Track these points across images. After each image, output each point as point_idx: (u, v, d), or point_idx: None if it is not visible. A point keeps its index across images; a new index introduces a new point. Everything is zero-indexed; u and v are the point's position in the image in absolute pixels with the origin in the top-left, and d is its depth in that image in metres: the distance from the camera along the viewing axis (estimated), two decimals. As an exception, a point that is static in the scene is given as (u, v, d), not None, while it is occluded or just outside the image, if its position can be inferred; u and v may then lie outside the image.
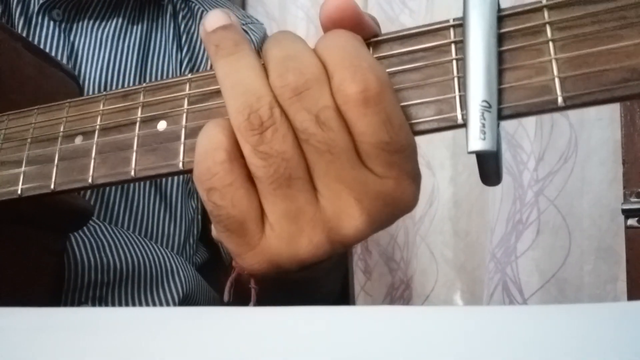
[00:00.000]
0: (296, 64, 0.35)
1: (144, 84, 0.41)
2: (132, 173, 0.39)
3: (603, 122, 1.01)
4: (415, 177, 0.36)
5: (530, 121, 1.04)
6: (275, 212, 0.36)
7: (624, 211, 0.82)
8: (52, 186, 0.41)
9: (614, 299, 0.98)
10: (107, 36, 0.70)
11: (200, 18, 0.77)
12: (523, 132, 1.06)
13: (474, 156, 0.36)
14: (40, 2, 0.66)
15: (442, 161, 1.14)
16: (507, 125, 1.07)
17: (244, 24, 0.78)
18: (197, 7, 0.78)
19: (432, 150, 1.15)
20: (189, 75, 0.40)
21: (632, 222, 0.82)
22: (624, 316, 0.25)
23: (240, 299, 0.47)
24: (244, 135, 0.35)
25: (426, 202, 1.15)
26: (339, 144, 0.34)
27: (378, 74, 0.34)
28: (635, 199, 0.81)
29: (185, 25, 0.75)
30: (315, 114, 0.34)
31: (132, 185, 0.67)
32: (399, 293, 1.23)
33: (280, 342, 0.24)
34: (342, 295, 0.80)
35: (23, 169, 0.43)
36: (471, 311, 0.28)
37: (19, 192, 0.42)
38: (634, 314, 0.25)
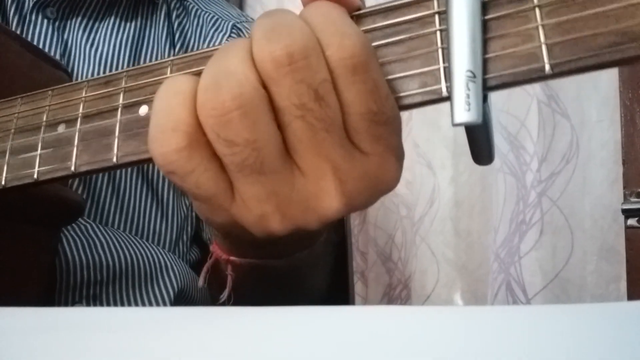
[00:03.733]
0: (289, 29, 0.32)
1: (126, 69, 0.41)
2: (115, 159, 0.39)
3: (603, 124, 1.02)
4: (399, 155, 0.35)
5: (533, 122, 1.05)
6: (246, 194, 0.34)
7: (624, 211, 0.82)
8: (35, 175, 0.41)
9: (616, 299, 0.98)
10: (101, 34, 0.70)
11: (195, 16, 0.77)
12: (526, 133, 1.06)
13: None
14: (34, 0, 0.66)
15: (443, 161, 1.14)
16: (510, 125, 1.07)
17: (238, 22, 0.77)
18: (191, 5, 0.77)
19: (432, 151, 1.15)
20: (171, 58, 0.39)
21: (632, 222, 0.82)
22: (626, 316, 0.24)
23: (217, 286, 0.46)
24: (204, 116, 0.32)
25: (427, 202, 1.16)
26: (335, 121, 0.32)
27: (363, 41, 0.32)
28: (635, 199, 0.81)
29: (179, 24, 0.75)
30: (315, 88, 0.31)
31: (122, 182, 0.66)
32: (397, 293, 1.23)
33: (279, 342, 0.23)
34: (341, 295, 0.80)
35: (6, 159, 0.42)
36: (475, 311, 0.28)
37: (3, 182, 0.42)
38: (634, 314, 0.24)
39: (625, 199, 0.82)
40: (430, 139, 1.14)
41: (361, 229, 1.27)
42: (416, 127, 1.15)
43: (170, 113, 0.33)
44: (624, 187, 0.82)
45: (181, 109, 0.32)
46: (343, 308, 0.29)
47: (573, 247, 1.02)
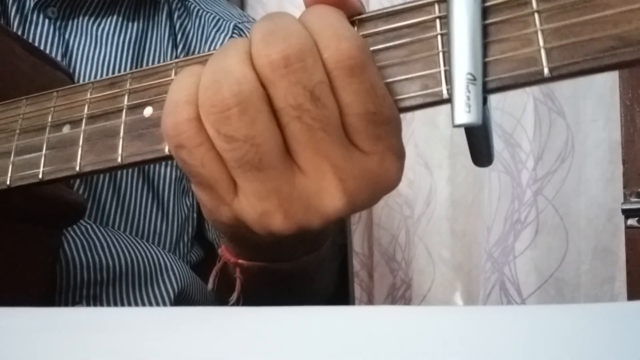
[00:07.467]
0: (286, 33, 0.33)
1: (131, 71, 0.41)
2: (119, 160, 0.39)
3: (599, 123, 1.01)
4: (400, 154, 0.35)
5: (529, 120, 1.05)
6: (247, 189, 0.35)
7: (624, 211, 0.81)
8: (40, 175, 0.41)
9: (610, 299, 0.98)
10: (102, 34, 0.70)
11: (197, 16, 0.77)
12: (522, 131, 1.06)
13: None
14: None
15: (440, 161, 1.14)
16: (505, 124, 1.07)
17: (239, 23, 0.78)
18: (193, 5, 0.77)
19: (430, 150, 1.15)
20: (175, 60, 0.40)
21: (632, 222, 0.81)
22: (623, 316, 0.25)
23: (226, 289, 0.47)
24: (205, 113, 0.33)
25: (424, 202, 1.15)
26: (332, 121, 0.33)
27: (360, 43, 0.33)
28: (635, 199, 0.81)
29: (181, 24, 0.75)
30: (311, 89, 0.32)
31: (124, 183, 0.66)
32: (400, 293, 1.23)
33: (279, 342, 0.24)
34: (341, 295, 0.80)
35: (12, 159, 0.42)
36: (471, 311, 0.28)
37: (8, 182, 0.42)
38: (634, 314, 0.25)
39: (625, 199, 0.82)
40: (428, 139, 1.14)
41: (365, 229, 1.27)
42: (417, 127, 1.15)
43: (185, 88, 0.34)
44: (624, 187, 0.82)
45: (195, 86, 0.34)
46: (339, 308, 0.29)
47: (568, 246, 1.02)
